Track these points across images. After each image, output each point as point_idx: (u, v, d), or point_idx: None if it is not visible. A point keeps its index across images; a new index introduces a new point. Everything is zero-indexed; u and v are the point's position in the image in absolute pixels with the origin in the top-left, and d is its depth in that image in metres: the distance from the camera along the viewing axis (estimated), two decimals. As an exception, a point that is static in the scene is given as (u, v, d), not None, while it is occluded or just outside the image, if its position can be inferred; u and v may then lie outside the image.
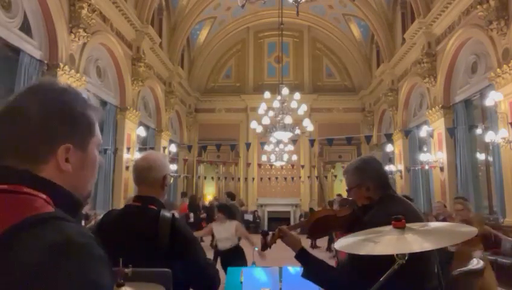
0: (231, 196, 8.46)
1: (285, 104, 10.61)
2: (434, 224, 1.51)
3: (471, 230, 1.35)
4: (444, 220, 5.28)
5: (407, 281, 1.57)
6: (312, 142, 12.26)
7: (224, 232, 5.50)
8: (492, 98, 7.77)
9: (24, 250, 0.60)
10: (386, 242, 1.32)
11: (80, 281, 0.61)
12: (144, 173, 1.92)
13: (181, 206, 12.66)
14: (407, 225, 1.38)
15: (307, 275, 1.84)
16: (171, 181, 12.31)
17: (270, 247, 1.96)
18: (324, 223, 1.96)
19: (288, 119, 10.40)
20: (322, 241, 11.12)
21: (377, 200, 1.89)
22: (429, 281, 1.74)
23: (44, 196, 0.70)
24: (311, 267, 1.84)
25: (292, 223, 18.26)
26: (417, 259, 1.33)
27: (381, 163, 2.09)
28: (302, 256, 1.86)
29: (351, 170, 2.01)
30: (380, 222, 1.49)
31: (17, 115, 0.73)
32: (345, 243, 1.44)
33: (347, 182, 2.03)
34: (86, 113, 0.79)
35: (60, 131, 0.75)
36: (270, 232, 2.01)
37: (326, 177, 18.54)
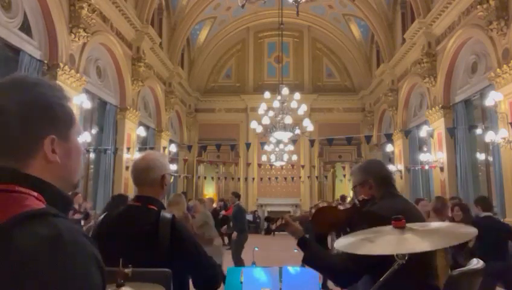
0: (238, 196, 8.47)
1: (285, 104, 10.60)
2: (434, 224, 1.51)
3: (472, 231, 1.35)
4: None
5: (409, 279, 1.58)
6: (312, 142, 12.26)
7: None
8: (492, 98, 7.77)
9: (15, 246, 0.60)
10: (385, 242, 1.32)
11: (70, 276, 0.61)
12: (143, 173, 1.92)
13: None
14: (407, 224, 1.38)
15: (307, 260, 1.94)
16: (171, 181, 12.31)
17: (273, 233, 2.07)
18: (326, 215, 2.06)
19: (288, 119, 10.39)
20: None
21: (379, 198, 2.01)
22: (433, 279, 1.76)
23: (35, 194, 0.70)
24: (311, 254, 1.94)
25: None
26: (416, 257, 1.33)
27: (384, 165, 2.25)
28: (303, 243, 1.97)
29: (356, 169, 2.19)
30: (377, 214, 1.54)
31: None
32: (345, 243, 1.44)
33: (353, 181, 2.19)
34: (63, 103, 0.79)
35: (42, 123, 0.75)
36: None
37: (326, 177, 18.54)
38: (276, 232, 16.82)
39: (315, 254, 1.93)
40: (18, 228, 0.62)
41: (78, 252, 0.64)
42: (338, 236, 2.27)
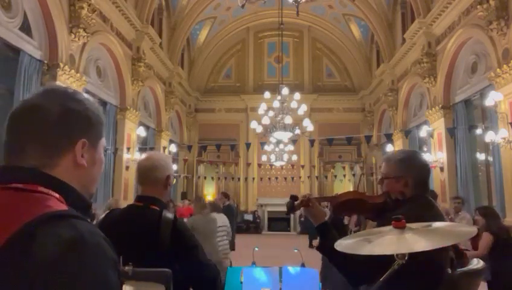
0: (227, 196, 8.66)
1: (285, 104, 10.60)
2: (434, 224, 1.51)
3: (472, 230, 1.35)
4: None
5: (417, 282, 1.57)
6: (312, 142, 12.26)
7: None
8: (492, 98, 7.76)
9: (38, 246, 0.62)
10: (386, 242, 1.32)
11: (92, 278, 0.63)
12: (147, 172, 1.92)
13: (181, 210, 10.73)
14: (408, 225, 1.38)
15: (323, 248, 1.78)
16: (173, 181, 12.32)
17: (294, 212, 1.94)
18: (353, 205, 1.87)
19: (288, 119, 10.39)
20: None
21: (410, 198, 1.77)
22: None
23: (57, 195, 0.72)
24: (329, 242, 1.73)
25: (292, 223, 18.28)
26: (425, 259, 1.33)
27: (428, 164, 1.92)
28: (323, 229, 1.80)
29: (395, 160, 1.84)
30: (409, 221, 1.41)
31: (37, 111, 0.76)
32: (345, 244, 1.44)
33: (385, 170, 1.85)
34: (98, 114, 0.84)
35: (77, 126, 0.79)
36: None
37: (326, 177, 18.54)
38: (277, 232, 16.97)
39: (333, 244, 1.73)
40: (41, 229, 0.63)
41: (99, 255, 0.66)
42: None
